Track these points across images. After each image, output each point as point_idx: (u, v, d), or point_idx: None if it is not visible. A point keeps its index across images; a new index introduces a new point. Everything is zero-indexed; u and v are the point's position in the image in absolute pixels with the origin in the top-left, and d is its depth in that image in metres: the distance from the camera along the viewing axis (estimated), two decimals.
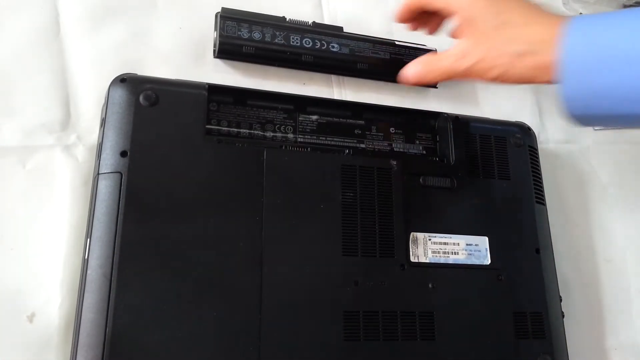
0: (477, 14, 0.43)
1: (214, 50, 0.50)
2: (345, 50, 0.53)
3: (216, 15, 0.50)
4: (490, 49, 0.43)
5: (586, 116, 0.41)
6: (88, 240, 0.39)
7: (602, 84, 0.38)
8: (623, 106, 0.38)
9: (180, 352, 0.38)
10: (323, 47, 0.52)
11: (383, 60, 0.54)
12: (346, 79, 0.55)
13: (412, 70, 0.48)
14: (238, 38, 0.49)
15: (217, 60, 0.51)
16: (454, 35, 0.48)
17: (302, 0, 0.56)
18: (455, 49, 0.45)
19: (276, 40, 0.50)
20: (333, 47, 0.52)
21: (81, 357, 0.36)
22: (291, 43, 0.51)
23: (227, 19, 0.49)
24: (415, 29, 0.51)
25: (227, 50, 0.50)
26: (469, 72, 0.44)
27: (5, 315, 0.40)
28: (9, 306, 0.40)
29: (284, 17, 0.52)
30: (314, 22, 0.53)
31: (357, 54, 0.53)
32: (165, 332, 0.38)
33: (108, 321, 0.37)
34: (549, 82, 0.41)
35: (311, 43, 0.51)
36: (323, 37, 0.52)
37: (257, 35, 0.50)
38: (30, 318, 0.40)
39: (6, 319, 0.40)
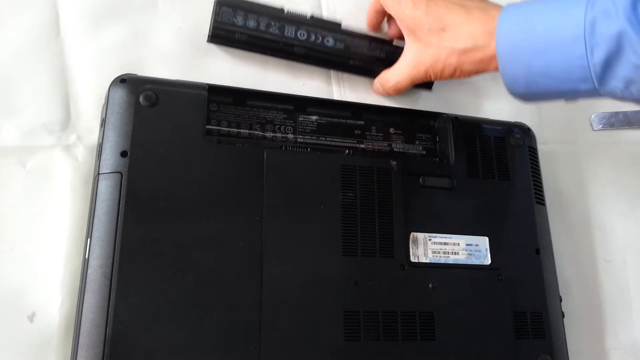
0: (418, 23, 0.48)
1: (208, 35, 0.50)
2: (340, 46, 0.53)
3: (214, 1, 0.50)
4: (437, 52, 0.47)
5: (527, 94, 0.45)
6: (88, 240, 0.39)
7: (532, 66, 0.42)
8: (555, 85, 0.42)
9: (180, 352, 0.38)
10: (317, 41, 0.52)
11: (378, 58, 0.54)
12: (345, 75, 0.55)
13: (375, 89, 0.54)
14: (232, 24, 0.50)
15: (211, 45, 0.51)
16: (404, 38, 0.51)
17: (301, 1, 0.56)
18: (407, 58, 0.50)
19: (270, 30, 0.50)
20: (328, 41, 0.52)
21: (81, 357, 0.36)
22: (285, 34, 0.51)
23: (224, 4, 0.50)
24: (390, 37, 0.55)
25: (219, 35, 0.50)
26: (426, 76, 0.50)
27: (5, 315, 0.40)
28: (10, 306, 0.40)
29: (282, 8, 0.52)
30: (312, 16, 0.52)
31: (351, 50, 0.53)
32: (165, 332, 0.38)
33: (108, 321, 0.37)
34: (498, 69, 0.45)
35: (306, 36, 0.51)
36: (319, 31, 0.52)
37: (251, 24, 0.50)
38: (31, 318, 0.40)
39: (6, 318, 0.40)
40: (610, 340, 0.54)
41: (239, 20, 0.50)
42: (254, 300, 0.40)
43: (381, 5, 0.52)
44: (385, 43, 0.55)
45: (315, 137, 0.48)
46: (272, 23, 0.51)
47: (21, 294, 0.40)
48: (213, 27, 0.50)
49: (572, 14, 0.40)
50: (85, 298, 0.37)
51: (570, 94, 0.43)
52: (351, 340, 0.42)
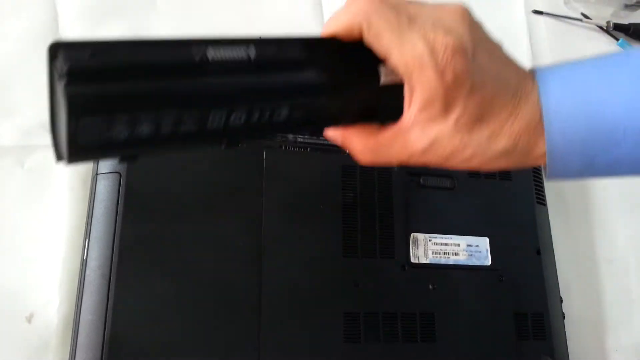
0: (453, 100, 0.29)
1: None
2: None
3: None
4: (465, 146, 0.31)
5: (572, 179, 0.33)
6: (87, 240, 0.39)
7: (594, 163, 0.31)
8: (614, 174, 0.32)
9: (179, 352, 0.38)
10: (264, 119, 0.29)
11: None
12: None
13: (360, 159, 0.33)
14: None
15: None
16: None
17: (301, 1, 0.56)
18: (426, 135, 0.30)
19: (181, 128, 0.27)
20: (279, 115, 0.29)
21: (80, 358, 0.36)
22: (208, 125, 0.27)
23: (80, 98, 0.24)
24: None
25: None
26: (433, 163, 0.32)
27: (3, 316, 0.40)
28: (8, 307, 0.40)
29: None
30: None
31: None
32: (164, 332, 0.38)
33: (107, 322, 0.37)
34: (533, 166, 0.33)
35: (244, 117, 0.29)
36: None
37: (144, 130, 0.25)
38: (29, 319, 0.40)
39: (5, 319, 0.40)
40: (611, 341, 0.54)
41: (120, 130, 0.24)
42: (254, 301, 0.40)
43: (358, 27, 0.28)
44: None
45: (315, 137, 0.48)
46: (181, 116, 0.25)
47: (19, 295, 0.40)
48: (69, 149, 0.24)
49: None
50: (83, 299, 0.37)
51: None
52: (351, 341, 0.41)
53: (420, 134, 0.30)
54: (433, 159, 0.31)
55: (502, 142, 0.31)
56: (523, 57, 0.51)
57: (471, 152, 0.31)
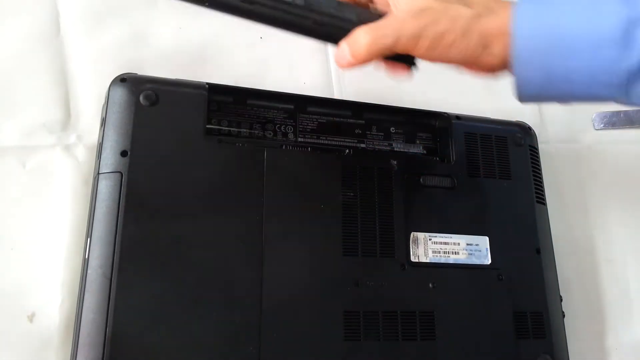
0: None
1: None
2: (299, 1, 0.40)
3: None
4: (444, 11, 0.38)
5: (536, 97, 0.40)
6: (88, 240, 0.39)
7: (552, 71, 0.37)
8: (573, 89, 0.37)
9: (180, 352, 0.38)
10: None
11: (347, 20, 0.41)
12: (346, 74, 0.54)
13: (338, 56, 0.40)
14: None
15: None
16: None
17: None
18: (408, 9, 0.38)
19: None
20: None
21: (81, 357, 0.36)
22: None
23: None
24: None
25: None
26: (405, 49, 0.38)
27: (5, 315, 0.40)
28: (10, 306, 0.40)
29: None
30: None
31: (314, 7, 0.40)
32: (165, 332, 0.38)
33: (108, 321, 0.37)
34: (490, 68, 0.39)
35: None
36: None
37: None
38: (31, 318, 0.40)
39: (6, 319, 0.40)
40: (610, 340, 0.54)
41: None
42: (254, 300, 0.40)
43: None
44: (360, 5, 0.43)
45: (315, 137, 0.48)
46: None
47: (21, 294, 0.41)
48: None
49: (606, 13, 0.35)
50: (85, 298, 0.37)
51: (586, 99, 0.39)
52: (351, 340, 0.42)
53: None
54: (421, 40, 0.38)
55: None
56: None
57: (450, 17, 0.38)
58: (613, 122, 0.63)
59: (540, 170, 0.54)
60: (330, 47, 0.56)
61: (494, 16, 0.38)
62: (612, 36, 0.35)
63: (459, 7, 0.38)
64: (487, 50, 0.38)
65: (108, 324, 0.37)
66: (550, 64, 0.37)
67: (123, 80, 0.43)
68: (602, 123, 0.63)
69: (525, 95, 0.39)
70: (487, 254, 0.48)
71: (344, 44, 0.40)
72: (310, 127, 0.48)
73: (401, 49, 0.38)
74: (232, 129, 0.46)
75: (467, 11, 0.38)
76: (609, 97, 0.37)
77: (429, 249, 0.46)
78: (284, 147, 0.46)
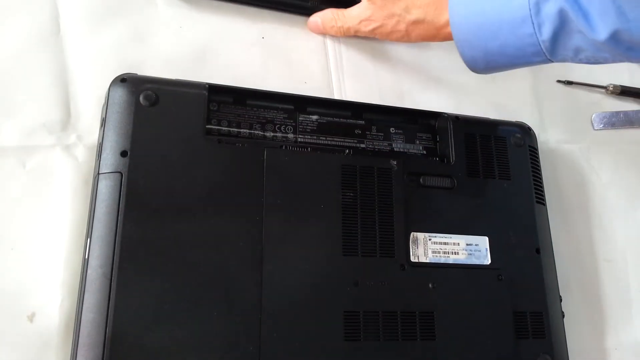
0: None
1: None
2: None
3: None
4: (389, 16, 0.51)
5: (487, 69, 0.48)
6: (88, 240, 0.39)
7: (488, 48, 0.45)
8: (512, 60, 0.46)
9: (180, 352, 0.38)
10: None
11: None
12: (346, 74, 0.54)
13: (314, 21, 0.55)
14: None
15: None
16: None
17: None
18: (361, 11, 0.52)
19: None
20: None
21: (81, 357, 0.36)
22: None
23: None
24: None
25: None
26: (373, 34, 0.53)
27: (5, 315, 0.40)
28: (9, 306, 0.40)
29: None
30: None
31: None
32: (165, 332, 0.38)
33: (108, 321, 0.37)
34: (445, 40, 0.49)
35: None
36: None
37: None
38: (31, 318, 0.40)
39: (6, 318, 0.40)
40: (610, 340, 0.54)
41: None
42: (254, 300, 0.40)
43: None
44: None
45: (315, 137, 0.48)
46: None
47: (21, 294, 0.40)
48: None
49: None
50: (85, 298, 0.37)
51: (526, 65, 0.47)
52: (351, 340, 0.42)
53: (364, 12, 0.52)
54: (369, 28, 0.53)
55: (414, 13, 0.50)
56: None
57: (395, 21, 0.51)
58: (612, 122, 0.63)
59: (540, 170, 0.54)
60: (330, 47, 0.56)
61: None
62: (524, 14, 0.42)
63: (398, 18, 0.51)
64: (440, 33, 0.49)
65: (108, 324, 0.37)
66: (484, 44, 0.45)
67: (123, 80, 0.43)
68: (601, 123, 0.63)
69: (475, 69, 0.48)
70: (487, 254, 0.48)
71: (317, 17, 0.55)
72: (310, 127, 0.48)
73: (362, 36, 0.54)
74: (232, 129, 0.46)
75: (406, 17, 0.50)
76: (542, 61, 0.45)
77: (428, 249, 0.46)
78: (283, 147, 0.46)
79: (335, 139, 0.48)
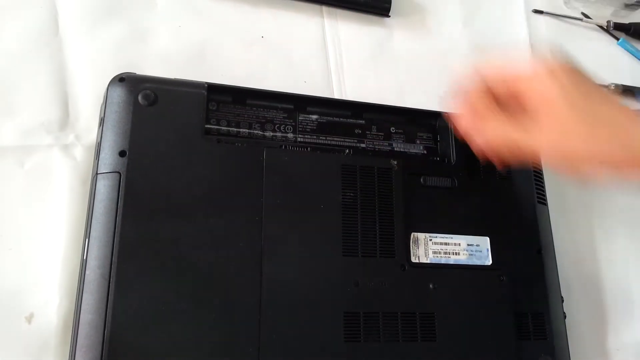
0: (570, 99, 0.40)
1: None
2: None
3: None
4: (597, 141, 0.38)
5: None
6: (86, 240, 0.39)
7: None
8: None
9: (179, 352, 0.38)
10: None
11: None
12: (346, 74, 0.54)
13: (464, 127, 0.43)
14: None
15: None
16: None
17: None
18: (550, 124, 0.39)
19: None
20: None
21: (80, 358, 0.36)
22: None
23: None
24: None
25: None
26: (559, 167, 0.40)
27: (3, 316, 0.40)
28: (7, 307, 0.40)
29: None
30: None
31: None
32: (164, 332, 0.38)
33: (107, 322, 0.37)
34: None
35: None
36: None
37: None
38: (29, 319, 0.40)
39: (4, 320, 0.40)
40: (612, 341, 0.54)
41: None
42: (254, 300, 0.40)
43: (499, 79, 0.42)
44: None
45: (315, 137, 0.48)
46: None
47: (19, 295, 0.40)
48: None
49: None
50: (83, 299, 0.37)
51: None
52: (351, 341, 0.41)
53: None
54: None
55: None
56: (523, 57, 0.51)
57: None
58: None
59: (541, 170, 0.53)
60: (330, 48, 0.56)
61: None
62: None
63: None
64: None
65: (106, 325, 0.36)
66: None
67: (122, 79, 0.43)
68: None
69: None
70: (488, 254, 0.48)
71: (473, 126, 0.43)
72: (310, 126, 0.48)
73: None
74: (231, 128, 0.45)
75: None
76: None
77: (429, 250, 0.46)
78: (283, 147, 0.46)
79: (335, 139, 0.48)
